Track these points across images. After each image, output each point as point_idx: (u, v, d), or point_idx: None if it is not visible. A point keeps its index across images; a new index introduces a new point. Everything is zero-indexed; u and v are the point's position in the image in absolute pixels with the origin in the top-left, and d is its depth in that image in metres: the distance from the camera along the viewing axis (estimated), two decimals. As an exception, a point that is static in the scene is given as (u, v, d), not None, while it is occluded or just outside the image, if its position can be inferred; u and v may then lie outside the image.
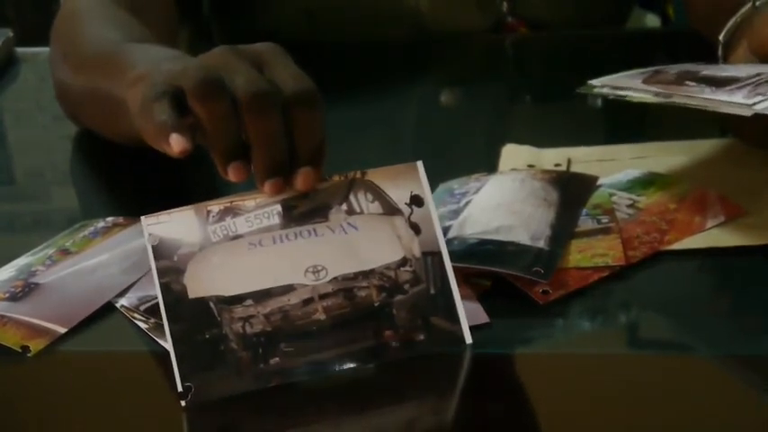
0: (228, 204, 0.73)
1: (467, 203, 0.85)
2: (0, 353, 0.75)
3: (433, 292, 0.72)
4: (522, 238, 0.80)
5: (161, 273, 0.70)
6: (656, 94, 0.84)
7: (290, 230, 0.72)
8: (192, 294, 0.70)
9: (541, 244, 0.79)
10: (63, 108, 1.05)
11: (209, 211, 0.72)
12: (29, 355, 0.74)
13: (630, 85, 0.86)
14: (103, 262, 0.83)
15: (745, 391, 0.70)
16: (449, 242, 0.79)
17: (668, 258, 0.80)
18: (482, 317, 0.75)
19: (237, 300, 0.70)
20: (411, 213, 0.73)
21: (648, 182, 0.87)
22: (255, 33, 1.12)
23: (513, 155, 0.94)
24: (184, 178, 0.97)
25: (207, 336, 0.70)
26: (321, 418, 0.70)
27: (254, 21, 1.25)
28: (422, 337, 0.72)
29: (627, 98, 0.85)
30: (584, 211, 0.84)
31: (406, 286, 0.72)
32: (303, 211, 0.73)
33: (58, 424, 0.71)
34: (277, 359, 0.70)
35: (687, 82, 0.84)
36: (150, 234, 0.71)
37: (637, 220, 0.83)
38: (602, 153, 0.93)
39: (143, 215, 0.72)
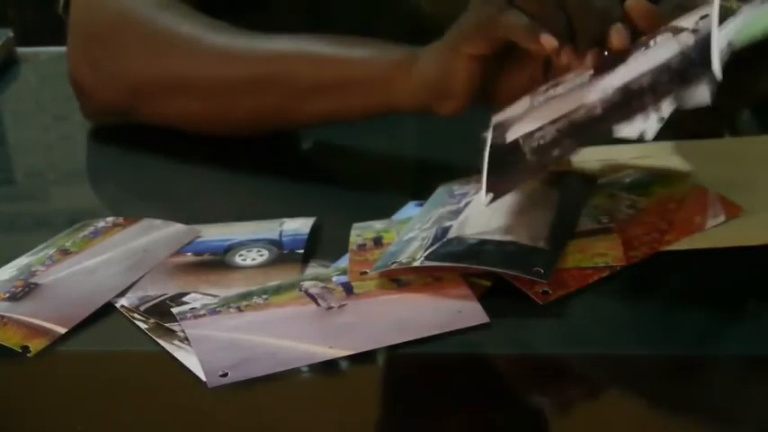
0: (554, 82, 0.85)
1: (467, 204, 0.85)
2: (0, 353, 0.75)
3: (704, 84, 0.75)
4: (522, 238, 0.80)
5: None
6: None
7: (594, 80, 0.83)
8: (507, 140, 0.83)
9: (541, 244, 0.79)
10: (138, 102, 1.02)
11: (538, 90, 0.86)
12: (29, 355, 0.74)
13: None
14: (103, 262, 0.83)
15: (745, 391, 0.70)
16: (448, 242, 0.79)
17: (668, 258, 0.80)
18: (482, 317, 0.75)
19: (536, 129, 0.82)
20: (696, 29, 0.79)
21: (648, 182, 0.87)
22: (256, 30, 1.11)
23: (514, 155, 0.94)
24: (185, 178, 0.97)
25: (510, 157, 0.81)
26: (315, 416, 0.70)
27: (255, 17, 1.25)
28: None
29: None
30: (584, 211, 0.84)
31: (679, 78, 0.77)
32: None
33: (58, 424, 0.71)
34: (557, 149, 0.80)
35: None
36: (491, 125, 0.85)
37: (637, 221, 0.83)
38: (602, 153, 0.93)
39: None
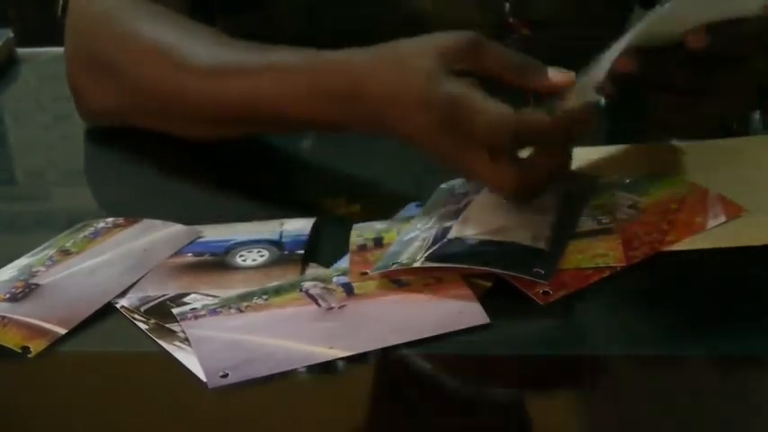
0: None
1: (467, 204, 0.85)
2: (0, 354, 0.75)
3: None
4: (523, 238, 0.80)
5: None
6: None
7: None
8: None
9: (542, 244, 0.79)
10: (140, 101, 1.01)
11: None
12: (29, 355, 0.74)
13: None
14: (104, 262, 0.83)
15: (745, 391, 0.70)
16: (449, 243, 0.79)
17: (669, 259, 0.80)
18: (482, 317, 0.75)
19: None
20: None
21: (649, 182, 0.87)
22: (254, 29, 1.11)
23: (514, 155, 0.94)
24: (185, 178, 0.97)
25: None
26: (316, 417, 0.70)
27: (253, 17, 1.25)
28: None
29: None
30: (585, 211, 0.84)
31: None
32: None
33: (58, 425, 0.71)
34: None
35: None
36: None
37: (637, 221, 0.83)
38: (602, 153, 0.93)
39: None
